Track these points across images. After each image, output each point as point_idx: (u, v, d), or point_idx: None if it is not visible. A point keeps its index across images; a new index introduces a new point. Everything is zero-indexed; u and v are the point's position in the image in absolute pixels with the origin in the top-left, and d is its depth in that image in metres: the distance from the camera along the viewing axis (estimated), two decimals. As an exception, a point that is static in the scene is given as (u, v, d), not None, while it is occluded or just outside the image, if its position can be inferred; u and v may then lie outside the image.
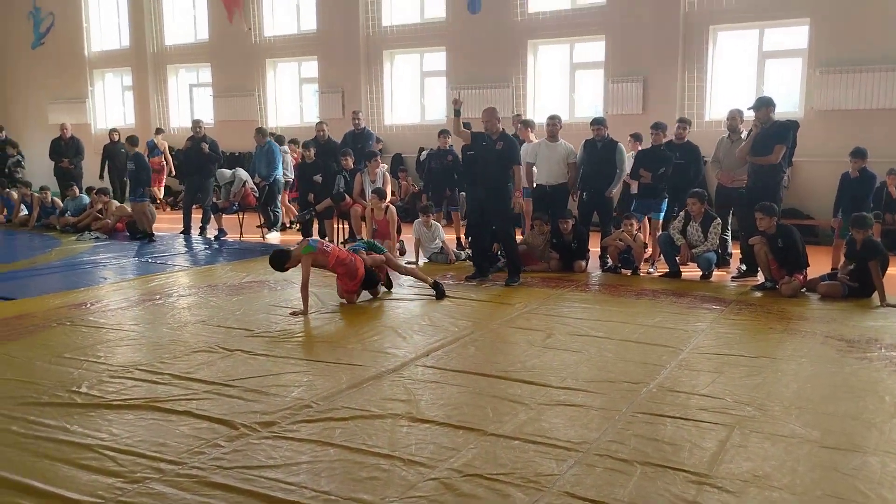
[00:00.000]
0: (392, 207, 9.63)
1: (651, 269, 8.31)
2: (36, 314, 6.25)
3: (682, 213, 8.06)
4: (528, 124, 10.07)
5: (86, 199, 12.35)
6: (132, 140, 11.74)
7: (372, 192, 9.61)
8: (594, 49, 12.95)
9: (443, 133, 10.16)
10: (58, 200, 12.51)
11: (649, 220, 8.93)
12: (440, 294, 6.93)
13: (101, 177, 14.17)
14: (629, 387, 4.47)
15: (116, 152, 13.92)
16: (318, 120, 12.79)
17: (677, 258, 8.00)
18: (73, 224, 11.68)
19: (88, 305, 6.66)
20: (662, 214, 8.65)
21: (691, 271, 8.07)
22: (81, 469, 3.32)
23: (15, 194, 12.92)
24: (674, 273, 8.00)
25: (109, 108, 19.27)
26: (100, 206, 11.79)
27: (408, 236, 9.64)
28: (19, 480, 3.19)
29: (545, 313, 6.42)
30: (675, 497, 3.09)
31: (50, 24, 19.40)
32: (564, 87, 13.50)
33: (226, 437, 3.69)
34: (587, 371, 4.82)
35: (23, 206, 12.65)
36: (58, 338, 5.56)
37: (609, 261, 8.43)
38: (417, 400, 4.27)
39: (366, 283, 6.82)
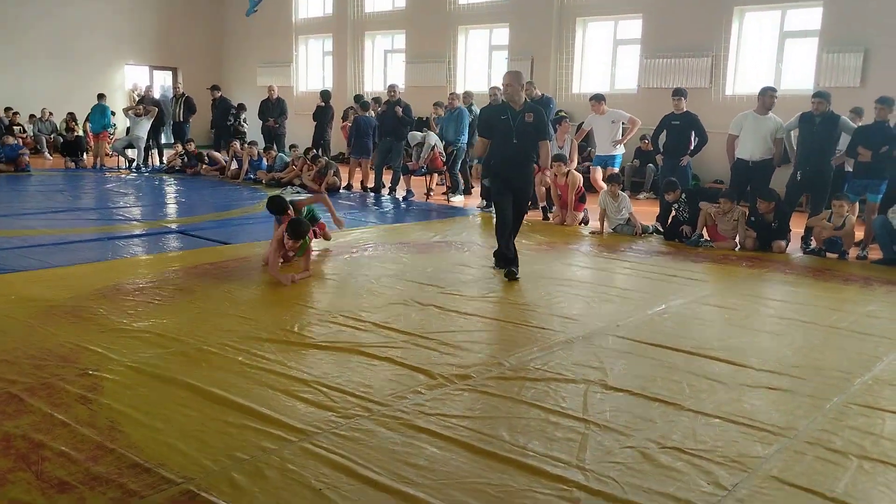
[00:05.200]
0: (575, 173, 9.52)
1: (862, 254, 7.66)
2: (249, 258, 6.81)
3: (904, 196, 7.35)
4: (599, 98, 10.12)
5: (286, 157, 13.22)
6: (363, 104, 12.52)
7: (554, 158, 9.52)
8: (809, 15, 11.99)
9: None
10: (265, 154, 13.46)
11: (863, 201, 8.19)
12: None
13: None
14: (841, 376, 4.17)
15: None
16: (491, 85, 12.75)
17: (894, 246, 7.32)
18: (277, 179, 12.56)
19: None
20: (881, 196, 7.91)
21: (910, 260, 7.37)
22: (300, 401, 3.59)
23: (229, 151, 14.06)
24: (889, 260, 7.34)
25: (311, 72, 20.43)
26: (301, 162, 12.56)
27: (593, 205, 9.50)
28: (248, 405, 3.50)
29: (741, 293, 6.13)
30: (900, 496, 2.87)
31: (263, -8, 20.77)
32: (772, 58, 12.63)
33: (425, 385, 3.86)
34: (792, 356, 4.55)
35: (234, 161, 13.73)
36: (270, 281, 6.03)
37: (813, 243, 7.86)
38: (609, 368, 4.23)
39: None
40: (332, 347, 4.43)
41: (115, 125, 17.32)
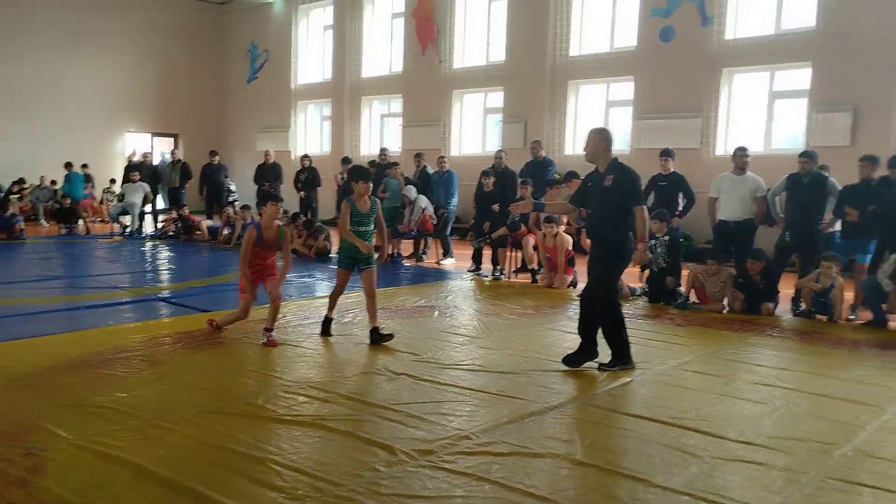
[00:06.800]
0: (563, 235, 9.46)
1: (852, 317, 7.51)
2: (227, 327, 6.70)
3: (893, 257, 7.24)
4: (572, 176, 10.16)
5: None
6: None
7: (545, 220, 9.48)
8: (798, 77, 12.09)
9: None
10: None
11: (853, 262, 8.08)
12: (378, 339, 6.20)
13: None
14: (820, 447, 4.01)
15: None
16: (497, 148, 12.95)
17: (884, 306, 7.18)
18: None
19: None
20: (869, 257, 7.80)
21: (901, 322, 7.23)
22: (249, 481, 3.44)
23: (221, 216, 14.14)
24: (878, 322, 7.19)
25: (309, 136, 20.70)
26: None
27: (581, 268, 9.38)
28: (193, 487, 3.35)
29: (725, 358, 5.97)
30: (870, 584, 2.69)
31: (264, 59, 21.24)
32: (761, 118, 12.70)
33: (384, 462, 3.71)
34: (771, 426, 4.39)
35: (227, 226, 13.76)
36: (243, 351, 5.93)
37: (802, 305, 7.72)
38: (580, 441, 4.08)
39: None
40: (294, 421, 4.29)
41: (93, 194, 17.74)
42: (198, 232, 14.16)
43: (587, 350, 5.58)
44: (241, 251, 6.22)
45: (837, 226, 8.28)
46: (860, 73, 11.12)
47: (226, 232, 13.54)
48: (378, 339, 6.19)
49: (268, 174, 14.76)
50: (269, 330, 6.17)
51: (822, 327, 7.21)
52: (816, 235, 8.05)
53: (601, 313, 5.48)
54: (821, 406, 4.75)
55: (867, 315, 7.38)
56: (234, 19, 22.11)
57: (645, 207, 5.46)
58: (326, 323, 6.54)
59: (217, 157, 16.03)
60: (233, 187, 16.53)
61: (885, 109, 10.91)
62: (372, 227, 6.40)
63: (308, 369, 5.46)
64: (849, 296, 7.75)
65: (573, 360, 5.56)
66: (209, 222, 14.64)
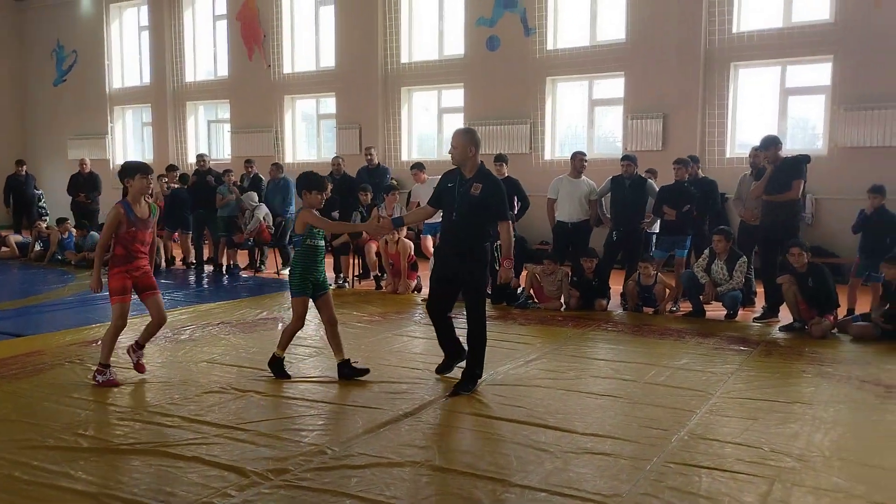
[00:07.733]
0: (405, 240, 9.49)
1: (674, 308, 8.10)
2: (45, 352, 6.10)
3: (706, 251, 7.89)
4: (419, 167, 10.46)
5: (98, 235, 12.31)
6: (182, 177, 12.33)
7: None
8: (614, 86, 12.89)
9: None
10: (76, 232, 12.48)
11: (672, 257, 8.72)
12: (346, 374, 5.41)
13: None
14: (659, 434, 4.25)
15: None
16: (334, 155, 12.78)
17: (701, 297, 7.80)
18: (90, 259, 11.61)
19: (99, 343, 6.49)
20: (686, 252, 8.46)
21: (715, 311, 7.87)
22: (84, 520, 3.14)
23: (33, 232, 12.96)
24: (697, 312, 7.79)
25: (129, 143, 19.44)
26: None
27: (425, 272, 9.47)
28: (18, 532, 3.01)
29: (567, 353, 6.23)
30: (717, 559, 2.87)
31: (73, 61, 19.68)
32: (583, 124, 13.42)
33: (236, 486, 3.51)
34: (614, 417, 4.62)
35: (38, 242, 12.63)
36: (67, 377, 5.42)
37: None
38: (437, 447, 4.08)
39: None
40: (132, 450, 3.97)
41: None
42: (4, 248, 12.87)
43: (454, 354, 5.47)
44: (101, 236, 5.22)
45: (656, 227, 8.89)
46: (667, 83, 12.01)
47: (38, 248, 12.39)
48: (350, 373, 5.37)
49: (84, 184, 13.67)
50: (140, 347, 5.54)
51: (649, 319, 7.71)
52: (639, 233, 8.62)
53: (475, 326, 5.22)
54: (656, 394, 5.05)
55: (688, 306, 7.97)
56: (35, 17, 20.26)
57: (510, 223, 5.23)
58: (278, 363, 5.48)
59: (24, 167, 14.68)
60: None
61: (691, 116, 11.86)
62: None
63: (145, 392, 5.07)
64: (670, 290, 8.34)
65: (446, 368, 5.48)
66: (18, 237, 13.35)
